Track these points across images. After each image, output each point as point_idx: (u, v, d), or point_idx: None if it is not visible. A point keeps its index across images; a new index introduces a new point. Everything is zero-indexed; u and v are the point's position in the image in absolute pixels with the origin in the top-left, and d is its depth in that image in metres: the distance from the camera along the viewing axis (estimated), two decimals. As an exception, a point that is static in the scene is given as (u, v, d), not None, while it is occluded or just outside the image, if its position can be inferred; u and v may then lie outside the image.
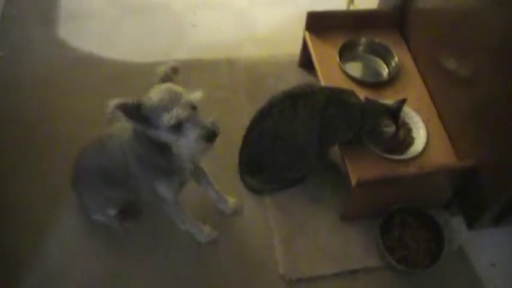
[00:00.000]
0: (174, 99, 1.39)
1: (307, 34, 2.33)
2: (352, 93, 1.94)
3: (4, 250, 1.93)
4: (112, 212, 1.90)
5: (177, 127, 1.40)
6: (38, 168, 2.16)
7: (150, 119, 1.41)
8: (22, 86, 2.49)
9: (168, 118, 1.38)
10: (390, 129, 1.87)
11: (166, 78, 1.48)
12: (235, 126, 2.24)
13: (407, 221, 1.96)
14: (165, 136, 1.44)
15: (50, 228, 1.99)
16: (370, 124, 1.88)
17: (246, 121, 2.06)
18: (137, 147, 1.53)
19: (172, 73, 1.50)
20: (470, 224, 1.92)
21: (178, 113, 1.38)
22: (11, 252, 1.93)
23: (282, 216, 2.04)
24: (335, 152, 2.09)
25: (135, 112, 1.40)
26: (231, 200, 2.04)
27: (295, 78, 2.52)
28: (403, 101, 1.91)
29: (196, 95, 1.44)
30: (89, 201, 1.89)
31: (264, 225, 2.03)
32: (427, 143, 1.96)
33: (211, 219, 2.00)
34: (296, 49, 2.52)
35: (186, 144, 1.43)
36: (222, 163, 2.17)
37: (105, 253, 1.95)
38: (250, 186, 2.12)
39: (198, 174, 1.87)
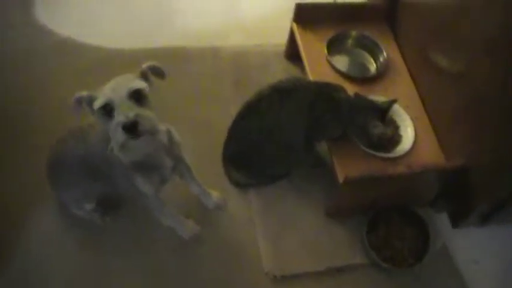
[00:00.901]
0: (114, 86, 1.33)
1: (294, 25, 2.28)
2: (341, 89, 1.91)
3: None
4: (88, 206, 1.85)
5: (109, 113, 1.32)
6: (14, 158, 2.09)
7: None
8: (5, 70, 2.40)
9: (98, 101, 1.32)
10: (378, 130, 1.84)
11: (143, 75, 1.43)
12: (219, 118, 2.21)
13: (393, 218, 1.96)
14: (102, 123, 1.36)
15: (28, 221, 1.93)
16: (358, 121, 1.85)
17: (231, 112, 2.01)
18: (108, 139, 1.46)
19: (152, 73, 1.45)
20: (456, 223, 1.92)
21: (107, 95, 1.31)
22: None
23: (266, 211, 2.02)
24: (322, 147, 2.06)
25: (90, 103, 1.35)
26: (215, 194, 2.00)
27: (282, 70, 2.48)
28: (393, 101, 1.88)
29: (136, 82, 1.36)
30: (65, 195, 1.83)
31: (248, 221, 1.99)
32: (415, 142, 1.94)
33: (194, 214, 1.96)
34: (283, 40, 2.47)
35: (112, 131, 1.33)
36: (205, 156, 2.12)
37: (85, 248, 1.89)
38: (234, 180, 2.09)
39: (181, 168, 1.81)
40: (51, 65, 2.43)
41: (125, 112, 1.29)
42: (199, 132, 2.22)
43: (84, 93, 1.36)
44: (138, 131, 1.30)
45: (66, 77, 2.36)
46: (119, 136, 1.30)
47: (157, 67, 1.45)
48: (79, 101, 1.36)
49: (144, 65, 1.43)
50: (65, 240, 1.91)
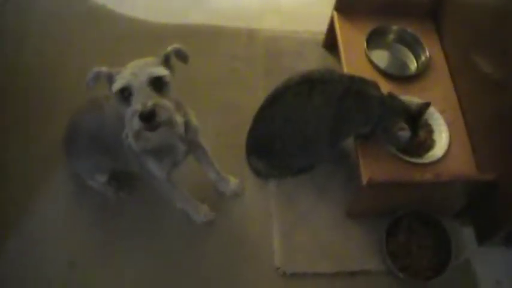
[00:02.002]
0: (135, 70, 1.27)
1: (335, 14, 2.18)
2: (374, 85, 1.81)
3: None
4: (101, 178, 1.82)
5: (128, 97, 1.26)
6: (37, 125, 2.08)
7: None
8: (27, 38, 2.37)
9: (118, 83, 1.26)
10: (405, 133, 1.74)
11: (166, 59, 1.37)
12: (247, 102, 2.15)
13: (415, 225, 1.87)
14: (118, 106, 1.31)
15: (42, 190, 1.92)
16: (387, 122, 1.76)
17: (259, 97, 1.95)
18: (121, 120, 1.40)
19: (176, 56, 1.39)
20: (481, 240, 1.82)
21: (126, 78, 1.25)
22: (-1, 207, 1.87)
23: (284, 204, 1.96)
24: (349, 144, 1.98)
25: (108, 80, 1.30)
26: (233, 181, 1.95)
27: (316, 59, 2.40)
28: (426, 105, 1.77)
29: (158, 69, 1.30)
30: (77, 165, 1.81)
31: (264, 212, 1.94)
32: (448, 149, 1.84)
33: (209, 200, 1.91)
34: (321, 28, 2.37)
35: (127, 118, 1.27)
36: (229, 140, 2.08)
37: (95, 222, 1.88)
38: (255, 169, 2.03)
39: (198, 153, 1.76)
40: (80, 32, 2.40)
41: (143, 100, 1.23)
42: (224, 114, 2.17)
43: (104, 68, 1.31)
44: (155, 122, 1.24)
45: (96, 47, 2.33)
46: (134, 124, 1.25)
47: (182, 51, 1.39)
48: (97, 76, 1.31)
49: (169, 48, 1.37)
50: (76, 212, 1.90)
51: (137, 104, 1.23)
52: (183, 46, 1.39)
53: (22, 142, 2.02)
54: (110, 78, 1.30)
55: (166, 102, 1.27)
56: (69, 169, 1.91)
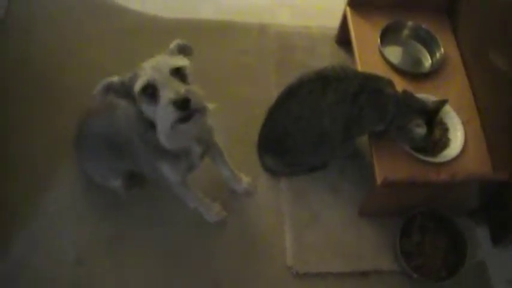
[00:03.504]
0: (154, 64, 1.25)
1: (348, 10, 2.15)
2: (389, 83, 1.79)
3: (1, 200, 1.86)
4: (115, 182, 1.80)
5: (152, 94, 1.23)
6: (45, 117, 2.06)
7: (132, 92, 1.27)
8: (36, 29, 2.35)
9: (139, 82, 1.23)
10: (421, 130, 1.71)
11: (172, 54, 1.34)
12: (259, 98, 2.13)
13: (429, 225, 1.85)
14: (144, 108, 1.28)
15: (50, 184, 1.91)
16: (402, 120, 1.73)
17: (271, 93, 1.94)
18: (139, 125, 1.38)
19: (180, 51, 1.36)
20: (496, 240, 1.80)
21: (149, 74, 1.22)
22: (7, 202, 1.86)
23: (296, 202, 1.94)
24: (362, 142, 1.96)
25: (122, 89, 1.27)
26: (245, 180, 1.93)
27: (329, 54, 2.37)
28: (443, 102, 1.74)
29: (178, 60, 1.28)
30: (91, 169, 1.79)
31: (276, 210, 1.93)
32: (463, 147, 1.81)
33: (221, 198, 1.90)
34: (333, 23, 2.34)
35: (159, 113, 1.24)
36: (240, 136, 2.06)
37: (103, 219, 1.87)
38: (267, 166, 2.01)
39: (213, 152, 1.74)
40: (89, 27, 2.37)
41: (175, 89, 1.20)
42: (236, 110, 2.14)
43: (116, 79, 1.28)
44: (191, 109, 1.21)
45: (105, 41, 2.30)
46: (170, 115, 1.21)
47: (184, 45, 1.37)
48: (108, 88, 1.28)
49: (172, 44, 1.35)
50: (84, 206, 1.89)
51: (169, 93, 1.20)
52: (185, 40, 1.38)
53: (29, 138, 2.00)
54: (123, 84, 1.27)
55: (196, 88, 1.26)
56: (78, 166, 1.90)
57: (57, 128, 2.01)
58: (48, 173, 1.93)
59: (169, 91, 1.20)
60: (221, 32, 2.40)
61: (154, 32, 2.34)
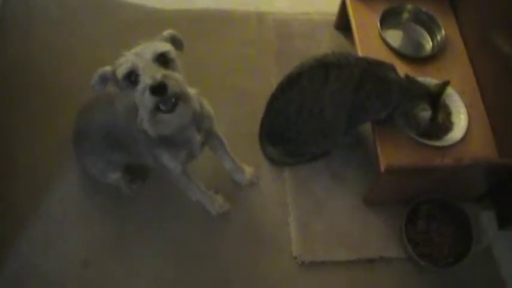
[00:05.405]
0: (138, 51, 1.23)
1: (347, -6, 2.12)
2: (391, 68, 1.76)
3: (3, 202, 1.84)
4: (113, 176, 1.78)
5: (135, 81, 1.21)
6: (46, 117, 2.04)
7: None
8: (34, 28, 2.32)
9: (121, 68, 1.21)
10: (426, 113, 1.70)
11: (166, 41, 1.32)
12: (259, 88, 2.12)
13: (435, 212, 1.83)
14: (131, 95, 1.25)
15: (53, 184, 1.89)
16: (407, 106, 1.71)
17: (271, 83, 1.91)
18: (134, 113, 1.34)
19: (171, 42, 1.33)
20: (503, 223, 1.78)
21: (130, 60, 1.20)
22: (10, 205, 1.85)
23: (300, 192, 1.92)
24: (365, 129, 1.94)
25: (114, 77, 1.26)
26: (248, 170, 1.91)
27: (329, 40, 2.34)
28: (445, 84, 1.72)
29: (161, 45, 1.25)
30: (90, 163, 1.77)
31: (280, 201, 1.91)
32: (467, 131, 1.78)
33: (224, 189, 1.88)
34: (332, 8, 2.31)
35: (137, 98, 1.22)
36: (241, 127, 2.04)
37: (107, 216, 1.86)
38: (270, 156, 1.99)
39: (214, 143, 1.73)
40: (88, 22, 2.35)
41: (152, 74, 1.18)
42: (237, 101, 2.13)
43: (108, 68, 1.26)
44: (167, 94, 1.19)
45: (104, 36, 2.28)
46: (147, 102, 1.19)
47: (177, 37, 1.35)
48: (103, 78, 1.27)
49: (165, 32, 1.33)
50: (87, 206, 1.87)
51: (146, 79, 1.18)
52: (177, 32, 1.36)
53: (30, 139, 1.98)
54: (115, 73, 1.25)
55: (175, 74, 1.23)
56: (80, 166, 1.87)
57: (59, 128, 1.98)
58: (51, 174, 1.91)
59: (147, 76, 1.18)
60: (219, 22, 2.37)
61: (154, 24, 2.31)
